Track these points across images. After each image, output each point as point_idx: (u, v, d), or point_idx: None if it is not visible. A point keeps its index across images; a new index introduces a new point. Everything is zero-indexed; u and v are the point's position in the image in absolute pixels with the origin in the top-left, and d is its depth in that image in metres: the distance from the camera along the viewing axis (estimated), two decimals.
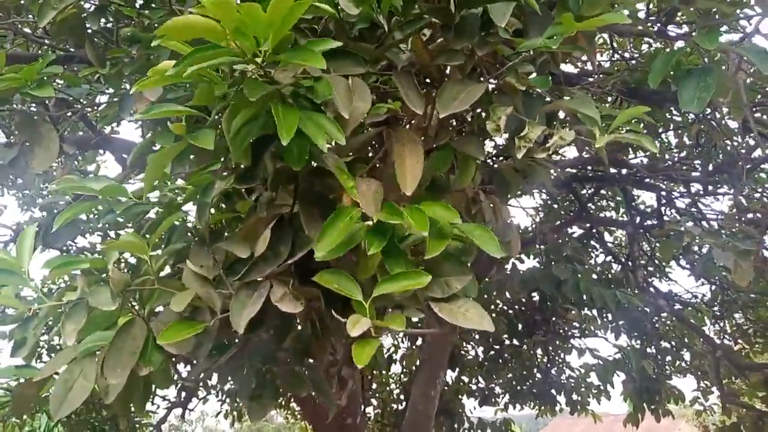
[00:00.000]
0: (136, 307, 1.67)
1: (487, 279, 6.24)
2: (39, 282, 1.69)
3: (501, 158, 2.38)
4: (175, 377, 2.68)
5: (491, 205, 2.64)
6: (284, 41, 1.34)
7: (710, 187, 5.37)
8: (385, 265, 1.51)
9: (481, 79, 1.74)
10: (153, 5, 2.67)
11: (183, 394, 6.56)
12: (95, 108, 3.95)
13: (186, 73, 1.25)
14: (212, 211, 1.81)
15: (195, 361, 2.08)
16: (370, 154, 2.19)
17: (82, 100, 3.28)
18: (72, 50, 3.62)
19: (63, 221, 1.58)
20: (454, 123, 1.96)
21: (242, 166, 1.55)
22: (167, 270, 1.87)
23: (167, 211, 1.66)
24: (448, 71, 1.91)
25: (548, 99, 1.84)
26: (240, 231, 1.67)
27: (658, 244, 5.80)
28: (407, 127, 1.95)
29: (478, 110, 1.98)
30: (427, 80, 1.91)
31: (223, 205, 1.87)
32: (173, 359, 2.19)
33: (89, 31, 3.12)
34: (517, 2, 1.84)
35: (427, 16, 1.71)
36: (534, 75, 1.76)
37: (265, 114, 1.41)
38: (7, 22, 3.66)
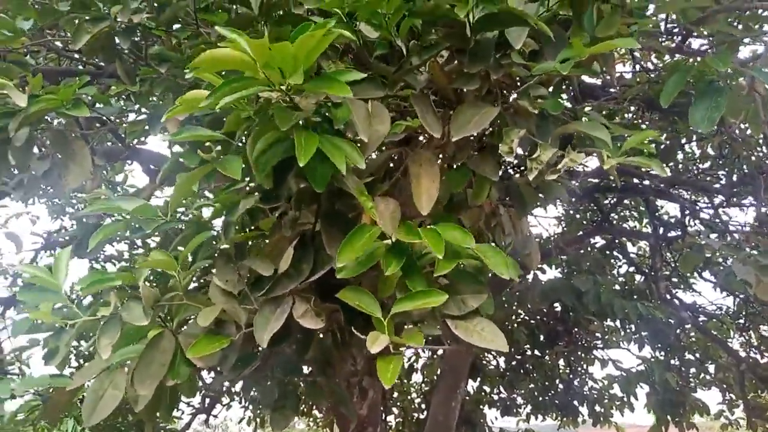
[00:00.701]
0: (164, 321, 1.75)
1: (508, 290, 6.25)
2: (68, 290, 1.78)
3: (517, 174, 2.42)
4: (200, 385, 2.75)
5: (510, 217, 2.68)
6: (309, 71, 1.41)
7: (734, 199, 5.33)
8: (406, 282, 1.57)
9: (495, 101, 1.79)
10: (180, 25, 2.76)
11: (207, 400, 6.66)
12: (124, 122, 4.07)
13: (220, 105, 1.33)
14: (236, 228, 1.88)
15: (220, 371, 2.16)
16: (389, 173, 2.25)
17: (116, 118, 3.39)
18: (102, 65, 3.75)
19: (97, 241, 1.67)
20: (472, 142, 2.01)
21: (266, 187, 1.62)
22: (192, 284, 1.95)
23: (195, 229, 1.73)
24: (464, 91, 1.97)
25: (564, 119, 1.88)
26: (264, 248, 1.74)
27: (680, 256, 5.76)
28: (424, 145, 2.00)
29: (494, 129, 2.02)
30: (444, 101, 1.96)
31: (247, 223, 1.94)
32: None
33: (119, 48, 3.24)
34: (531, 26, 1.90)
35: (444, 42, 1.76)
36: (547, 98, 1.80)
37: (288, 138, 1.48)
38: (41, 40, 3.79)
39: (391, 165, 2.30)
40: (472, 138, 1.84)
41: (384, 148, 2.04)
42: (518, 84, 1.90)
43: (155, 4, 2.42)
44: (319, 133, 1.51)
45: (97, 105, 3.19)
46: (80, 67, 4.79)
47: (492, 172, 1.86)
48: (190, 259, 1.85)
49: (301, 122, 1.51)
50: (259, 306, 1.64)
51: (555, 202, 5.33)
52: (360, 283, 1.75)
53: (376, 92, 1.76)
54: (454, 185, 1.98)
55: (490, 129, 1.93)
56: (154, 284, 2.23)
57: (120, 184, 6.64)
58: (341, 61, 1.95)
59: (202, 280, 2.08)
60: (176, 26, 2.94)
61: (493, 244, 2.68)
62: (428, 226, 1.59)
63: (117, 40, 3.14)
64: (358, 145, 1.65)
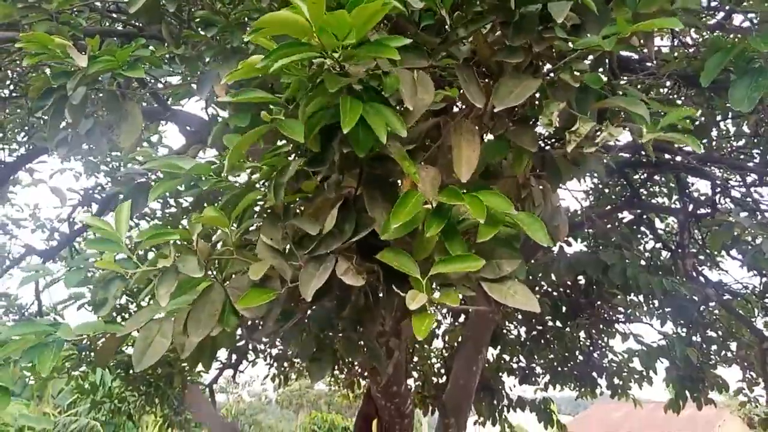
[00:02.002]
0: (214, 274, 1.86)
1: (533, 261, 6.31)
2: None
3: (553, 146, 2.46)
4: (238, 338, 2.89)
5: (541, 189, 2.74)
6: (362, 39, 1.48)
7: (766, 178, 5.29)
8: (445, 245, 1.65)
9: (537, 73, 1.84)
10: None
11: (234, 356, 6.89)
12: (163, 84, 4.17)
13: (273, 68, 1.40)
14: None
15: (261, 325, 2.28)
16: (428, 142, 2.32)
17: (155, 79, 3.48)
18: (142, 27, 3.84)
19: (156, 195, 1.78)
20: (510, 113, 2.06)
21: (312, 150, 1.70)
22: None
23: (246, 189, 1.83)
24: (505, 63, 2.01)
25: (603, 93, 1.93)
26: (309, 209, 1.83)
27: (708, 234, 5.75)
28: (464, 115, 2.06)
29: (533, 102, 2.07)
30: (486, 72, 2.02)
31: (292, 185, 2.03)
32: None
33: (163, 10, 3.32)
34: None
35: (489, 14, 1.81)
36: (588, 72, 1.84)
37: (335, 104, 1.56)
38: (86, 2, 3.89)
39: (429, 135, 2.37)
40: (510, 109, 1.89)
41: (427, 118, 2.11)
42: (558, 58, 1.94)
43: None
44: (365, 101, 1.58)
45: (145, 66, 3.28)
46: (120, 27, 4.90)
47: (530, 143, 1.92)
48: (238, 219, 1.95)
49: (348, 89, 1.58)
50: (305, 263, 1.74)
51: (588, 175, 5.34)
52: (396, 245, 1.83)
53: (420, 61, 1.83)
54: (491, 155, 2.04)
55: (529, 101, 1.98)
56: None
57: (155, 144, 6.80)
58: (387, 30, 2.00)
59: (245, 238, 2.18)
60: None
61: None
62: (469, 193, 1.66)
63: (162, 2, 3.21)
64: (402, 112, 1.72)
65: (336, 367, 8.43)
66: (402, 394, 4.03)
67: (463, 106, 2.16)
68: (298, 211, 1.99)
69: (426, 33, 1.94)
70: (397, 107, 1.73)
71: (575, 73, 1.78)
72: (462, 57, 1.90)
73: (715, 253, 6.50)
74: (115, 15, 4.80)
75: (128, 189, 2.88)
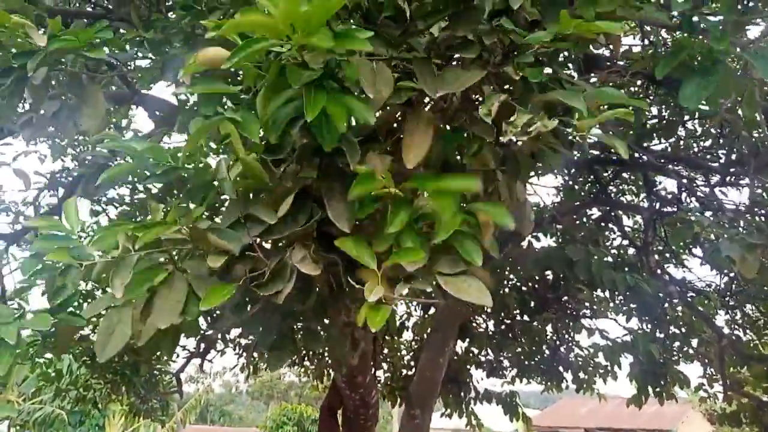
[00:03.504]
0: (174, 263, 1.86)
1: (500, 255, 6.37)
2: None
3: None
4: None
5: (507, 183, 2.77)
6: (320, 29, 1.48)
7: (731, 178, 5.41)
8: (398, 239, 1.67)
9: (486, 65, 1.86)
10: None
11: (202, 345, 6.85)
12: (130, 67, 4.12)
13: (231, 63, 1.41)
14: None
15: (219, 317, 2.28)
16: (391, 132, 2.33)
17: (121, 63, 3.44)
18: (111, 8, 3.78)
19: (107, 178, 1.76)
20: (469, 105, 2.08)
21: (273, 141, 1.71)
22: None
23: (201, 177, 1.83)
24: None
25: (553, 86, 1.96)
26: (267, 198, 1.83)
27: (671, 231, 5.88)
28: (424, 106, 2.08)
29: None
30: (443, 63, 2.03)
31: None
32: None
33: None
34: None
35: (446, 7, 1.83)
36: (532, 65, 1.87)
37: (298, 97, 1.56)
38: None
39: (395, 125, 2.39)
40: (468, 102, 1.92)
41: (388, 107, 2.12)
42: (516, 49, 1.97)
43: None
44: (327, 91, 1.59)
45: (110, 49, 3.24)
46: (89, 9, 4.81)
47: (485, 131, 1.93)
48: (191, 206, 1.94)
49: (311, 81, 1.58)
50: (264, 253, 1.75)
51: (552, 170, 5.40)
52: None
53: (380, 50, 1.84)
54: (448, 144, 2.06)
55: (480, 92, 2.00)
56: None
57: (124, 128, 6.71)
58: (350, 19, 2.01)
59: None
60: None
61: None
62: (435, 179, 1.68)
63: None
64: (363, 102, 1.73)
65: (306, 358, 8.44)
66: (367, 385, 4.04)
67: (426, 99, 2.18)
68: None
69: (386, 24, 1.95)
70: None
71: (518, 66, 1.81)
72: (421, 50, 1.91)
73: (679, 251, 6.63)
74: None
75: (90, 173, 2.85)
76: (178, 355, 7.36)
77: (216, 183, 1.86)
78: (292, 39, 1.44)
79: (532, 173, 3.76)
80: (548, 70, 2.25)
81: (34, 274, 2.02)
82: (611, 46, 4.36)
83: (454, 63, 1.97)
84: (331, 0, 1.43)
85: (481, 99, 1.98)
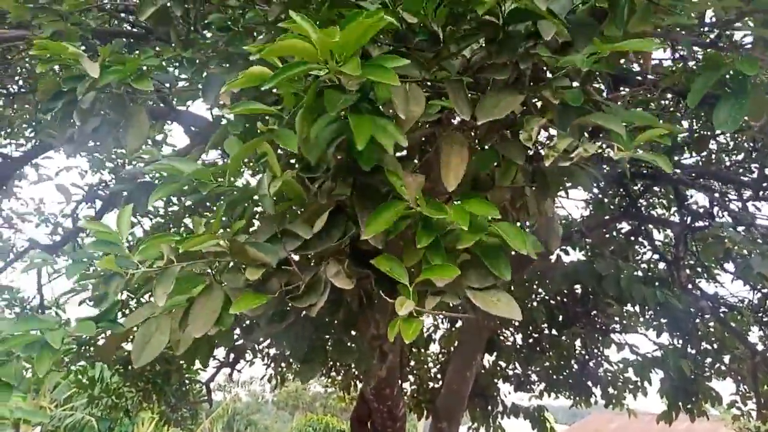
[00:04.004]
0: (213, 275, 1.94)
1: (530, 268, 6.36)
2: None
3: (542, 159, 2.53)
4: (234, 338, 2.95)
5: (536, 199, 2.80)
6: (356, 53, 1.55)
7: (763, 193, 5.34)
8: (426, 255, 1.72)
9: (523, 89, 1.91)
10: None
11: (231, 355, 6.96)
12: (172, 87, 4.24)
13: (271, 83, 1.48)
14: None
15: (251, 328, 2.35)
16: (422, 150, 2.38)
17: (161, 83, 3.56)
18: (150, 28, 3.91)
19: (157, 198, 1.85)
20: (500, 126, 2.13)
21: (312, 161, 1.78)
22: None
23: (242, 194, 1.91)
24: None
25: (588, 109, 1.99)
26: (303, 215, 1.90)
27: (702, 246, 5.82)
28: (457, 127, 2.13)
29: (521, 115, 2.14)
30: (475, 85, 2.09)
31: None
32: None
33: (171, 14, 3.39)
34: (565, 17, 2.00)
35: (478, 32, 1.88)
36: (570, 88, 1.91)
37: (338, 119, 1.63)
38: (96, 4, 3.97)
39: (425, 142, 2.44)
40: (499, 122, 1.96)
41: (419, 125, 2.18)
42: (548, 73, 2.01)
43: None
44: (364, 114, 1.65)
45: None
46: (129, 27, 4.98)
47: (517, 155, 1.98)
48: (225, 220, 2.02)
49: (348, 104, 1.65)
50: (298, 268, 1.81)
51: (581, 187, 5.39)
52: (388, 252, 1.90)
53: (413, 73, 1.90)
54: (481, 166, 2.11)
55: (518, 115, 2.05)
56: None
57: (160, 142, 6.88)
58: (387, 43, 2.07)
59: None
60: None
61: (517, 223, 2.81)
62: (455, 202, 1.73)
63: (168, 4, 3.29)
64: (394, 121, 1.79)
65: (333, 370, 8.50)
66: (394, 397, 4.09)
67: (457, 119, 2.23)
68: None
69: (420, 47, 2.02)
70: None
71: (557, 90, 1.85)
72: (454, 71, 1.97)
73: (711, 266, 6.55)
74: (123, 14, 4.89)
75: (131, 188, 2.95)
76: (208, 365, 7.49)
77: (256, 198, 1.93)
78: (329, 65, 1.51)
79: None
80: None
81: (79, 278, 2.11)
82: (641, 61, 4.38)
83: (487, 85, 2.02)
84: (363, 29, 1.50)
85: (513, 119, 2.02)
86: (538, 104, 2.08)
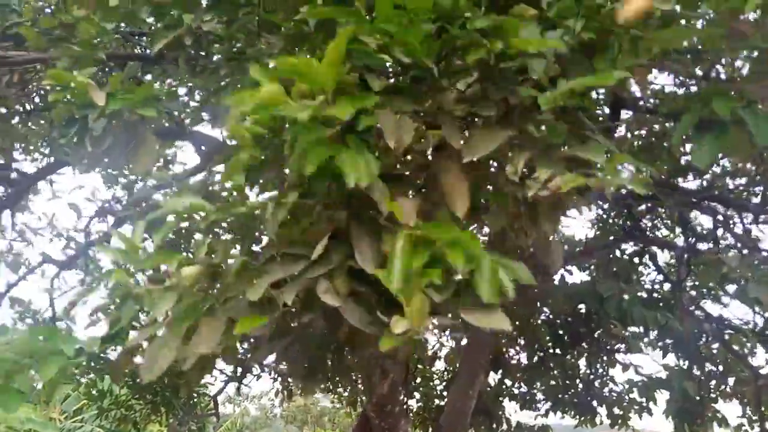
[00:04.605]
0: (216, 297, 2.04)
1: (534, 290, 6.43)
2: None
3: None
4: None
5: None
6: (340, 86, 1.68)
7: (762, 217, 5.40)
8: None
9: (510, 124, 2.01)
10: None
11: (239, 370, 7.05)
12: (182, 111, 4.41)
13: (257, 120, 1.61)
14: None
15: (257, 345, 2.45)
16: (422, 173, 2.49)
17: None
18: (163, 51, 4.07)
19: (160, 237, 1.98)
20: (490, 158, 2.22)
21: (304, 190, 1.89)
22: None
23: (243, 220, 2.02)
24: None
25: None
26: (303, 238, 2.00)
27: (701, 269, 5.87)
28: (453, 156, 2.23)
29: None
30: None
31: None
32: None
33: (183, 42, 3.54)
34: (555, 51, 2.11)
35: (471, 69, 2.00)
36: (553, 123, 2.01)
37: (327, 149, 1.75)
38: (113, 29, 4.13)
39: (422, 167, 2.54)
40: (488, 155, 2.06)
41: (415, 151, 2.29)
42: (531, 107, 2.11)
43: (223, 18, 2.70)
44: (350, 146, 1.77)
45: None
46: (143, 50, 5.14)
47: (506, 185, 2.07)
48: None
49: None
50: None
51: (580, 211, 5.46)
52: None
53: (405, 106, 2.02)
54: (473, 195, 2.20)
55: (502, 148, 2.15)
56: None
57: (171, 159, 7.06)
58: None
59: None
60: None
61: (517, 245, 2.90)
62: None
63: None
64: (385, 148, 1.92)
65: (339, 385, 8.56)
66: (396, 414, 4.14)
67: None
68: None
69: (416, 80, 2.13)
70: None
71: (539, 125, 1.96)
72: (448, 105, 2.07)
73: (711, 289, 6.59)
74: (136, 37, 5.06)
75: (139, 212, 3.09)
76: (215, 378, 7.60)
77: (258, 222, 2.05)
78: (295, 105, 1.63)
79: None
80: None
81: (88, 312, 2.22)
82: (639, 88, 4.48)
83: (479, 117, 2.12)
84: (338, 58, 1.63)
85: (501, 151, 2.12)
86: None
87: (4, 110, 5.82)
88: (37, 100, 6.11)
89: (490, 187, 2.45)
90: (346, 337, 2.58)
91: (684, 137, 5.78)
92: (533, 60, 2.03)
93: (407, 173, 2.25)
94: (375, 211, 1.98)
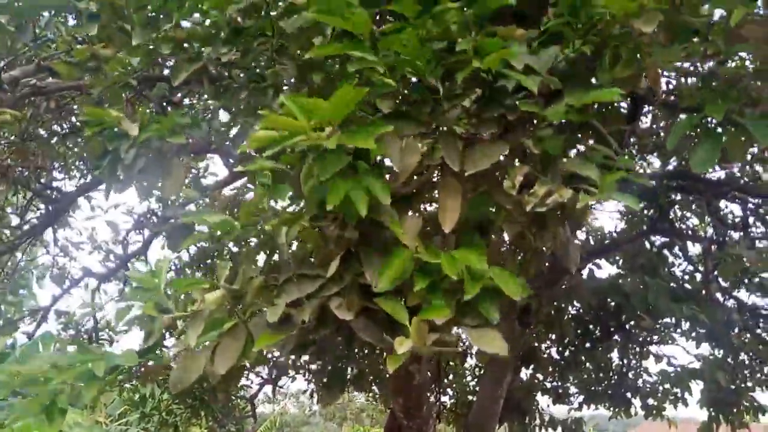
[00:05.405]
0: (238, 314, 2.20)
1: (561, 285, 6.44)
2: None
3: None
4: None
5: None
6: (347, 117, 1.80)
7: None
8: (427, 296, 1.94)
9: (507, 137, 2.11)
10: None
11: (274, 372, 7.25)
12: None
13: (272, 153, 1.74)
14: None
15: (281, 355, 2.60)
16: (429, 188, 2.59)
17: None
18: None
19: (186, 246, 2.13)
20: (493, 171, 2.32)
21: (314, 213, 2.02)
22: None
23: (262, 240, 2.17)
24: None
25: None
26: (316, 259, 2.14)
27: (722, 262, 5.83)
28: (451, 173, 2.34)
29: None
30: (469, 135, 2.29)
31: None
32: None
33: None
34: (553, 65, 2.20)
35: (470, 89, 2.10)
36: (550, 138, 2.10)
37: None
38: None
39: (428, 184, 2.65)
40: (488, 169, 2.16)
41: (424, 171, 2.40)
42: (534, 122, 2.21)
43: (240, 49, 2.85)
44: (355, 171, 1.89)
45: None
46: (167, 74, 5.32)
47: (506, 200, 2.17)
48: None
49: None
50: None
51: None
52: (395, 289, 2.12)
53: (410, 129, 2.13)
54: (474, 208, 2.31)
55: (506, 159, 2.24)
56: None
57: (201, 172, 7.27)
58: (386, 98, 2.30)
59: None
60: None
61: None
62: (447, 252, 1.94)
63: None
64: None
65: (373, 383, 8.69)
66: (423, 415, 4.24)
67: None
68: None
69: (420, 101, 2.24)
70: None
71: (538, 140, 2.05)
72: (450, 123, 2.18)
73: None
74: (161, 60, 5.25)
75: (169, 229, 3.26)
76: (252, 381, 7.82)
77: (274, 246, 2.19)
78: (311, 135, 1.76)
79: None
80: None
81: (126, 323, 2.40)
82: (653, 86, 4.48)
83: (478, 135, 2.22)
84: (348, 100, 1.75)
85: (501, 165, 2.22)
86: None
87: (43, 132, 6.10)
88: (73, 119, 6.39)
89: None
90: (362, 346, 2.72)
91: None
92: (530, 78, 2.12)
93: (414, 191, 2.36)
94: (383, 229, 2.10)
